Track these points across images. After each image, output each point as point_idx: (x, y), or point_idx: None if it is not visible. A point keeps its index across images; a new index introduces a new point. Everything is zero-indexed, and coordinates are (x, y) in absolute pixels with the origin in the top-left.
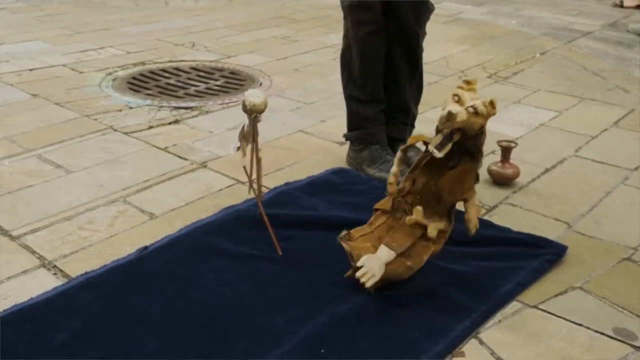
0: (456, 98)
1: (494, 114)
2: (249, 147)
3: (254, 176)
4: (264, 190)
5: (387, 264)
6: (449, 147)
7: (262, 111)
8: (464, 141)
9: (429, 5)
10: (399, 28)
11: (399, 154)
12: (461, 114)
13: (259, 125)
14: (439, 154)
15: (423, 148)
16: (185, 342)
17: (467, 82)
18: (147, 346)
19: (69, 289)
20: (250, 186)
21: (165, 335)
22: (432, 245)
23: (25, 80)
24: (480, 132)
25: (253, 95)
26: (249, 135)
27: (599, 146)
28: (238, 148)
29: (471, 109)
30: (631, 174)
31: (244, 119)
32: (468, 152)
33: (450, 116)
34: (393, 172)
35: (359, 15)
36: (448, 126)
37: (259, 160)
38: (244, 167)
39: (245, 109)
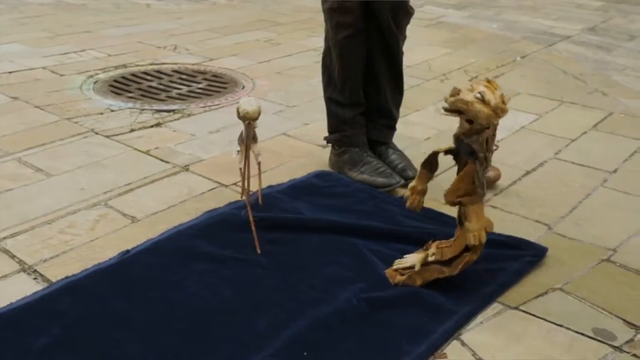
0: (470, 87)
1: (503, 109)
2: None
3: (247, 181)
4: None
5: (425, 272)
6: (452, 115)
7: (255, 119)
8: (470, 135)
9: (408, 9)
10: (378, 31)
11: (419, 169)
12: (466, 93)
13: (257, 130)
14: (445, 108)
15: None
16: (168, 346)
17: (488, 81)
18: (128, 351)
19: (49, 294)
20: (243, 189)
21: (147, 339)
22: (468, 255)
23: (5, 83)
24: (486, 127)
25: (247, 104)
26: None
27: (579, 149)
28: (238, 152)
29: (478, 95)
30: (610, 176)
31: (227, 122)
32: (474, 153)
33: (454, 90)
34: (410, 187)
35: (338, 18)
36: (451, 102)
37: (258, 164)
38: (240, 169)
39: (239, 116)
